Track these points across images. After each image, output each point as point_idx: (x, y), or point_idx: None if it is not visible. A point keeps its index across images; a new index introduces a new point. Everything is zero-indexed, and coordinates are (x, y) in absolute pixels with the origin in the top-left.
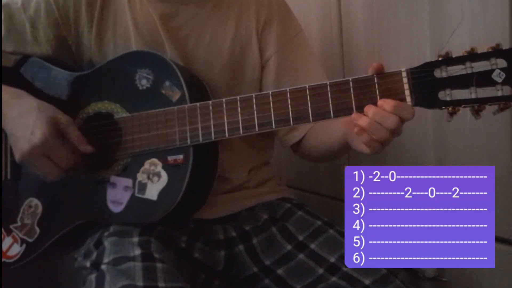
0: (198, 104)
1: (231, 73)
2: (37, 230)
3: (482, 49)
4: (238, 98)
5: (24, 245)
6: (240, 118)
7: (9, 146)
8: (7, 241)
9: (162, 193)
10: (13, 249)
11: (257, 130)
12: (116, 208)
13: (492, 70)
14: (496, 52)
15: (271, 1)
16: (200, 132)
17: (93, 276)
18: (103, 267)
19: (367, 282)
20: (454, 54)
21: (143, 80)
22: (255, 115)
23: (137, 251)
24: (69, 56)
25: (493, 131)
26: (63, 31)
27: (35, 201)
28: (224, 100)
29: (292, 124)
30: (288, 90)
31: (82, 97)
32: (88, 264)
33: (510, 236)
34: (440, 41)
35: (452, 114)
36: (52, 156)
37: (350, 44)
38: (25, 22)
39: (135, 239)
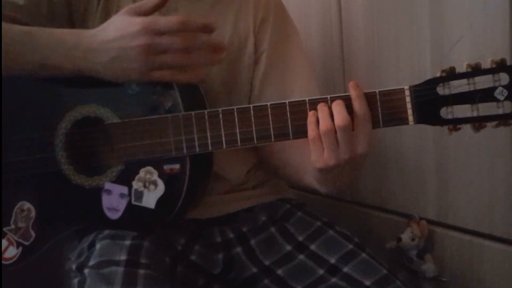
0: (193, 113)
1: (227, 70)
2: (33, 234)
3: (485, 62)
4: (235, 108)
5: (20, 248)
6: (238, 130)
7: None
8: (2, 244)
9: (160, 201)
10: (10, 251)
11: (255, 142)
12: (112, 215)
13: (495, 88)
14: (500, 67)
15: (269, 0)
16: (196, 143)
17: (76, 280)
18: (86, 270)
19: (367, 283)
20: (454, 63)
21: (133, 84)
22: (253, 128)
23: (123, 256)
24: None
25: (493, 132)
26: (72, 4)
27: (27, 205)
28: (220, 110)
29: (291, 138)
30: (287, 102)
31: (69, 98)
32: (74, 266)
33: (510, 236)
34: (440, 40)
35: (452, 131)
36: (163, 28)
37: (350, 44)
38: None
39: (127, 243)
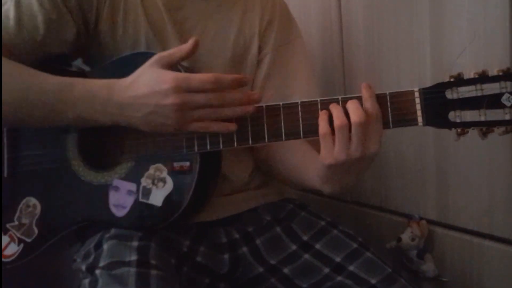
0: None
1: (232, 69)
2: (36, 230)
3: (492, 71)
4: None
5: (21, 245)
6: (250, 128)
7: (6, 143)
8: (3, 240)
9: (167, 199)
10: (10, 249)
11: (266, 141)
12: (119, 212)
13: (502, 94)
14: (507, 75)
15: (275, 3)
16: (208, 140)
17: (86, 281)
18: (97, 271)
19: (373, 281)
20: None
21: None
22: (265, 126)
23: (133, 257)
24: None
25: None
26: (85, 8)
27: (33, 201)
28: None
29: (302, 137)
30: (299, 102)
31: None
32: (84, 267)
33: (510, 236)
34: (440, 40)
35: (460, 135)
36: (195, 86)
37: (350, 44)
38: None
39: (135, 244)
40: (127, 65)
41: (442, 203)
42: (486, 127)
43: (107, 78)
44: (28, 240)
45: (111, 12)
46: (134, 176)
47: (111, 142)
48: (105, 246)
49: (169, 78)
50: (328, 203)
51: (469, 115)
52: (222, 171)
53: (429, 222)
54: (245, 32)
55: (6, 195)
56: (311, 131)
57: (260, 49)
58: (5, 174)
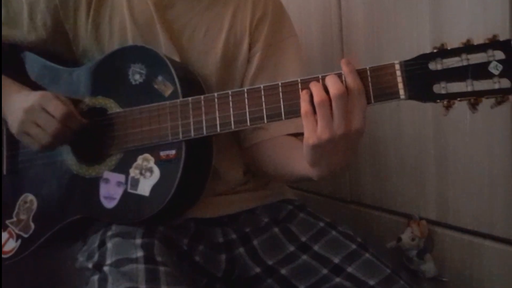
0: (190, 99)
1: (223, 67)
2: (32, 225)
3: (478, 40)
4: (230, 92)
5: (19, 241)
6: (231, 112)
7: (5, 141)
8: (2, 237)
9: (154, 189)
10: (9, 245)
11: (248, 124)
12: (108, 204)
13: (489, 62)
14: (493, 43)
15: (268, 0)
16: (192, 127)
17: (95, 278)
18: (106, 268)
19: (372, 282)
20: (450, 46)
21: (136, 75)
22: (247, 110)
23: (140, 253)
24: (65, 42)
25: (492, 128)
26: (61, 16)
27: (30, 197)
28: (216, 94)
29: (284, 118)
30: (280, 84)
31: (76, 93)
32: (90, 265)
33: (510, 236)
34: (440, 40)
35: (447, 108)
36: (39, 121)
37: (350, 43)
38: (24, 5)
39: (138, 241)
40: (114, 61)
41: (442, 203)
42: (474, 98)
43: (95, 76)
44: (26, 235)
45: (96, 16)
46: (123, 168)
47: (102, 134)
48: (109, 244)
49: (41, 98)
50: (328, 203)
51: (455, 87)
52: (214, 169)
53: (429, 222)
54: (236, 30)
55: (6, 192)
56: (293, 111)
57: (250, 47)
58: (5, 172)
